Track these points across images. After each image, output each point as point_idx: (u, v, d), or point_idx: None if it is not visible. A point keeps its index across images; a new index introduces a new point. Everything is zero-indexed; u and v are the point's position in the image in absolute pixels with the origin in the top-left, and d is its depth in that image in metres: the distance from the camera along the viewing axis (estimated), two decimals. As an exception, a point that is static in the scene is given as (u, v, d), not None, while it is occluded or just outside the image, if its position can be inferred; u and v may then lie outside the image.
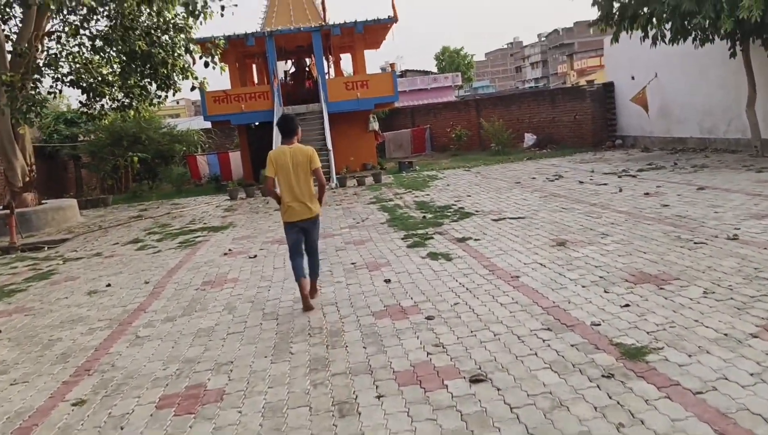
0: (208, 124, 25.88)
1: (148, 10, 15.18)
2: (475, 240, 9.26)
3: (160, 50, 15.50)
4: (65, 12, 15.57)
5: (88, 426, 4.48)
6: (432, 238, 9.79)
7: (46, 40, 16.34)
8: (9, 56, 15.54)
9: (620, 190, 12.38)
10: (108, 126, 22.92)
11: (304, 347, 5.60)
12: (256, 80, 28.42)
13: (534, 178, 15.86)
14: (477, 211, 11.80)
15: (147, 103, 17.46)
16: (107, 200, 21.19)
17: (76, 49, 16.67)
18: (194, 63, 16.86)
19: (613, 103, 22.98)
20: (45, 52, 16.41)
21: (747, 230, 8.07)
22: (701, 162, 15.36)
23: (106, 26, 15.75)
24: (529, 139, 25.05)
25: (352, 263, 8.64)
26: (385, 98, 22.83)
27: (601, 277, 6.71)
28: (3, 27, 16.00)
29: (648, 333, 5.06)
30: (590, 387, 4.20)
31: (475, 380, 4.48)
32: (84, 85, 16.78)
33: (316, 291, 7.06)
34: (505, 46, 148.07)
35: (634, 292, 6.12)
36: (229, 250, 10.66)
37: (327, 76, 24.24)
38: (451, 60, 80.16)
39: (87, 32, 16.07)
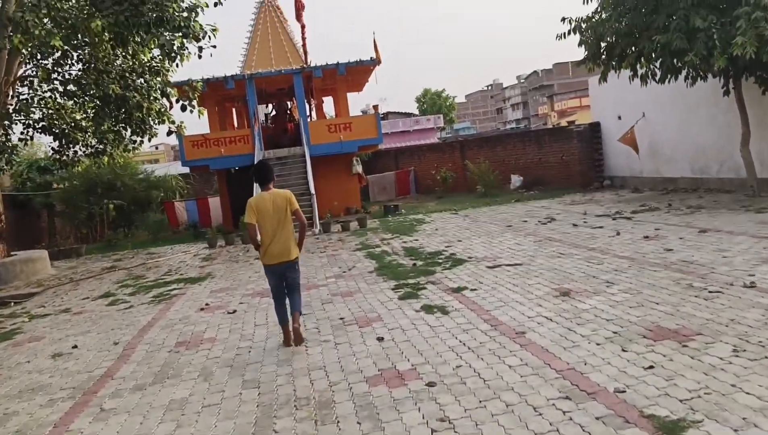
0: (186, 170, 25.29)
1: (123, 53, 14.64)
2: (472, 290, 8.65)
3: (135, 94, 14.92)
4: (39, 57, 15.01)
5: None
6: (425, 288, 9.16)
7: (17, 85, 15.73)
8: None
9: (618, 234, 11.86)
10: (82, 173, 22.17)
11: (289, 424, 4.91)
12: (236, 124, 27.94)
13: (525, 221, 15.34)
14: (470, 258, 11.20)
15: (121, 148, 16.80)
16: (80, 250, 20.34)
17: (48, 94, 16.06)
18: (171, 107, 16.31)
19: (600, 143, 22.69)
20: (16, 98, 15.78)
21: (763, 277, 7.52)
22: (696, 202, 14.94)
23: (79, 70, 15.19)
24: (516, 180, 24.65)
25: (341, 318, 7.98)
26: (369, 140, 22.41)
27: (615, 332, 6.11)
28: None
29: (681, 401, 4.45)
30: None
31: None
32: (56, 131, 16.12)
33: (300, 326, 7.00)
34: (485, 88, 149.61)
35: (656, 350, 5.52)
36: (207, 304, 9.94)
37: (309, 119, 23.81)
38: (432, 102, 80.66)
39: (59, 76, 15.49)
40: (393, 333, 7.00)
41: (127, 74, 14.97)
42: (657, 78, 14.88)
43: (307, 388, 5.62)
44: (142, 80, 15.24)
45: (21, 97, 16.00)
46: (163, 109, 15.73)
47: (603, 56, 15.70)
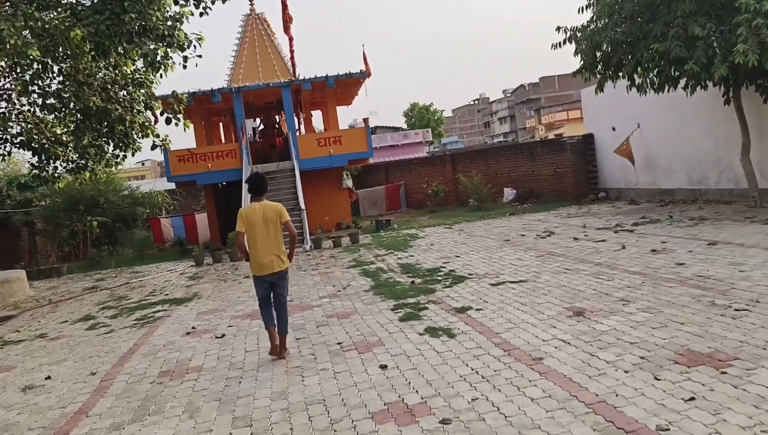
0: (172, 185, 24.63)
1: (105, 64, 14.02)
2: (477, 310, 8.09)
3: (117, 106, 14.27)
4: (18, 70, 14.34)
5: None
6: (426, 308, 8.58)
7: (-6, 99, 15.07)
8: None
9: (623, 247, 11.35)
10: (64, 189, 21.45)
11: (287, 471, 4.32)
12: (223, 138, 27.32)
13: (523, 235, 14.82)
14: (470, 274, 10.64)
15: (103, 164, 16.12)
16: (61, 270, 19.55)
17: (27, 108, 15.39)
18: (156, 120, 15.68)
19: (593, 154, 22.29)
20: (-7, 112, 15.11)
21: (790, 293, 7.03)
22: (698, 214, 14.49)
23: (59, 83, 14.54)
24: (509, 193, 24.17)
25: (338, 343, 7.38)
26: (359, 154, 21.92)
27: (642, 357, 5.57)
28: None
29: (736, 442, 3.91)
30: None
31: None
32: (35, 146, 15.42)
33: (285, 349, 7.08)
34: (472, 102, 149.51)
35: (692, 378, 4.99)
36: (193, 328, 9.30)
37: (298, 133, 23.27)
38: (420, 116, 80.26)
39: (38, 90, 14.82)
40: (397, 360, 6.42)
41: (109, 86, 14.32)
42: (655, 87, 14.50)
43: (305, 427, 5.02)
44: (125, 92, 14.61)
45: (-2, 111, 15.33)
46: (147, 123, 15.09)
47: (599, 66, 15.30)
